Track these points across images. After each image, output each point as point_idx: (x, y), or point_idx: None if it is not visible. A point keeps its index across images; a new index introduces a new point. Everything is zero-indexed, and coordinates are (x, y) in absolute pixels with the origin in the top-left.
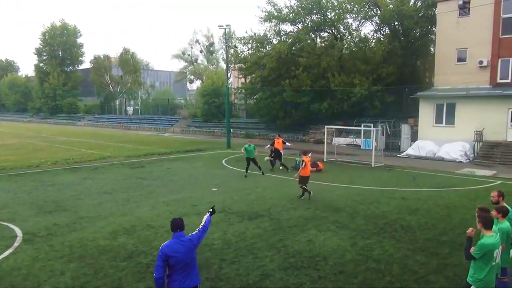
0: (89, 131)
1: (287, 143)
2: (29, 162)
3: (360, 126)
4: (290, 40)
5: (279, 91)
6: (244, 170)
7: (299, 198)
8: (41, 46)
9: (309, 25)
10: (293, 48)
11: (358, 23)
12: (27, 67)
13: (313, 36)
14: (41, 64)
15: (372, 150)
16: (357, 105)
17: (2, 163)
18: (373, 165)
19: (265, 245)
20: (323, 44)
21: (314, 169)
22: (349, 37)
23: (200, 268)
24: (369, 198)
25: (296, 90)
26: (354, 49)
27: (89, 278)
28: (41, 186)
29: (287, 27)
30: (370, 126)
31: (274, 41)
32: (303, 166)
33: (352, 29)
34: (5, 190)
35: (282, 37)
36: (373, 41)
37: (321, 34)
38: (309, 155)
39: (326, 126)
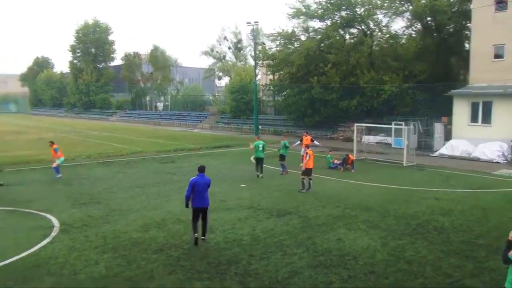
0: (120, 126)
1: (315, 141)
2: (65, 156)
3: (391, 124)
4: (319, 36)
5: (308, 88)
6: (277, 167)
7: (300, 192)
8: (75, 44)
9: (338, 21)
10: (322, 44)
11: (388, 19)
12: (62, 63)
13: (342, 32)
14: (75, 61)
15: (403, 148)
16: (388, 103)
17: (40, 156)
18: (404, 164)
19: (293, 242)
20: (352, 41)
21: (342, 165)
22: (379, 33)
23: (229, 263)
24: (400, 197)
25: (325, 87)
26: (384, 45)
27: (122, 268)
28: (76, 179)
29: (315, 24)
30: (401, 124)
31: (302, 38)
32: (307, 158)
33: (382, 25)
34: (43, 182)
35: (310, 34)
36: (404, 37)
37: (350, 30)
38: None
39: (355, 124)
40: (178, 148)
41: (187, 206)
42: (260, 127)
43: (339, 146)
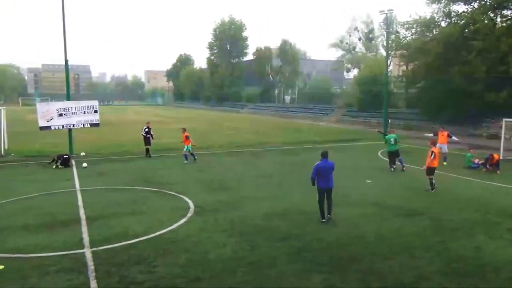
0: (250, 118)
1: (453, 137)
2: (200, 144)
3: None
4: (462, 21)
5: (446, 79)
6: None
7: (427, 192)
8: (212, 41)
9: (488, 3)
10: (465, 30)
11: None
12: (201, 60)
13: (492, 15)
14: (212, 57)
15: None
16: None
17: (179, 144)
18: None
19: (422, 245)
20: (504, 24)
21: (484, 165)
22: None
23: (351, 260)
24: None
25: (467, 77)
26: None
27: (247, 253)
28: (209, 166)
29: (459, 7)
30: None
31: (443, 24)
32: (432, 157)
33: None
34: (182, 167)
35: (453, 19)
36: None
37: (503, 12)
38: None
39: (504, 120)
40: (303, 140)
41: (313, 184)
42: (389, 121)
43: (482, 144)
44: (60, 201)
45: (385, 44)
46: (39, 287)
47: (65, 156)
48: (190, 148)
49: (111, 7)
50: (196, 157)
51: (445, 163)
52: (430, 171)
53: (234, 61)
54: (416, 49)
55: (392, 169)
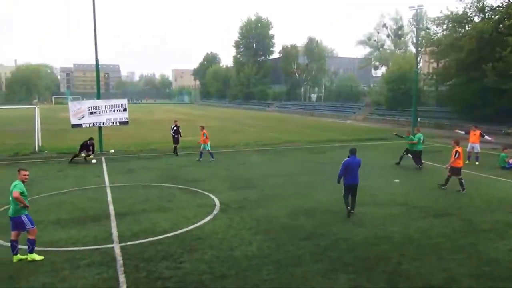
0: (276, 116)
1: (486, 136)
2: (226, 142)
3: None
4: (497, 16)
5: (479, 76)
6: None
7: (440, 187)
8: (239, 39)
9: None
10: (500, 25)
11: None
12: (227, 58)
13: None
14: (238, 56)
15: None
16: None
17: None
18: None
19: (452, 247)
20: None
21: None
22: None
23: (377, 260)
24: None
25: (502, 74)
26: None
27: (272, 251)
28: (235, 164)
29: (493, 2)
30: None
31: (476, 19)
32: (456, 156)
33: None
34: (208, 165)
35: (486, 14)
36: None
37: None
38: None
39: None
40: (329, 139)
41: (338, 182)
42: (419, 119)
43: None
44: (90, 197)
45: (414, 40)
46: (70, 279)
47: (88, 142)
48: (208, 147)
49: (140, 7)
50: (201, 157)
51: (477, 163)
52: (456, 171)
53: (260, 59)
54: (447, 46)
55: (419, 167)
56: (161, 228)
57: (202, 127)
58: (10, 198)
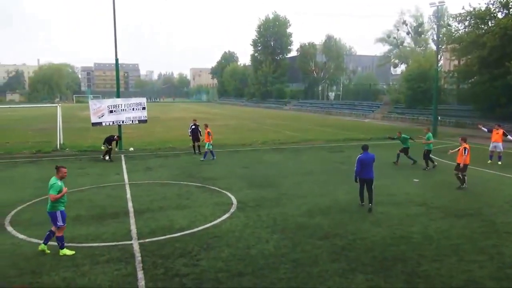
0: (293, 115)
1: (509, 136)
2: (243, 141)
3: None
4: None
5: (502, 74)
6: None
7: (460, 188)
8: (257, 38)
9: None
10: None
11: None
12: (245, 57)
13: None
14: (255, 54)
15: None
16: None
17: (224, 141)
18: None
19: (473, 248)
20: None
21: None
22: None
23: (395, 260)
24: None
25: None
26: None
27: (288, 250)
28: (252, 162)
29: None
30: None
31: (499, 15)
32: (465, 154)
33: None
34: (225, 164)
35: (510, 10)
36: None
37: None
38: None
39: None
40: (347, 137)
41: (355, 180)
42: (439, 118)
43: None
44: (110, 194)
45: (435, 38)
46: (90, 275)
47: (115, 138)
48: (210, 146)
49: (158, 7)
50: (206, 157)
51: (500, 163)
52: (465, 168)
53: (278, 58)
54: (469, 43)
55: (428, 168)
56: (178, 225)
57: (206, 125)
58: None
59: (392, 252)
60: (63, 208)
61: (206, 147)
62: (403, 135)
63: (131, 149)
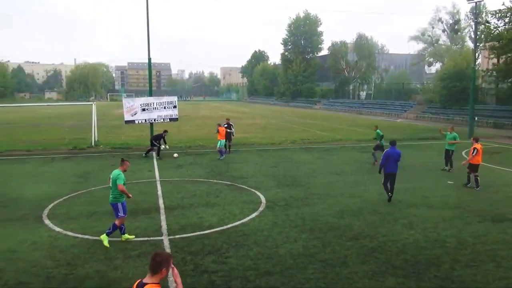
0: (323, 114)
1: None
2: (272, 140)
3: None
4: None
5: None
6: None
7: (465, 186)
8: (287, 37)
9: None
10: None
11: None
12: (275, 56)
13: None
14: (286, 53)
15: None
16: None
17: (253, 140)
18: None
19: (511, 254)
20: None
21: None
22: None
23: (428, 264)
24: None
25: None
26: None
27: (318, 250)
28: (281, 161)
29: None
30: None
31: None
32: (474, 153)
33: None
34: (254, 162)
35: None
36: None
37: None
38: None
39: None
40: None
41: (380, 172)
42: (475, 118)
43: None
44: (142, 190)
45: (473, 35)
46: (122, 268)
47: (163, 134)
48: (223, 144)
49: (190, 6)
50: (223, 156)
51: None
52: (474, 168)
53: (308, 57)
54: (509, 40)
55: (446, 169)
56: (208, 222)
57: (219, 124)
58: (111, 185)
59: (425, 256)
60: (124, 199)
61: (219, 145)
62: (377, 131)
63: (163, 147)
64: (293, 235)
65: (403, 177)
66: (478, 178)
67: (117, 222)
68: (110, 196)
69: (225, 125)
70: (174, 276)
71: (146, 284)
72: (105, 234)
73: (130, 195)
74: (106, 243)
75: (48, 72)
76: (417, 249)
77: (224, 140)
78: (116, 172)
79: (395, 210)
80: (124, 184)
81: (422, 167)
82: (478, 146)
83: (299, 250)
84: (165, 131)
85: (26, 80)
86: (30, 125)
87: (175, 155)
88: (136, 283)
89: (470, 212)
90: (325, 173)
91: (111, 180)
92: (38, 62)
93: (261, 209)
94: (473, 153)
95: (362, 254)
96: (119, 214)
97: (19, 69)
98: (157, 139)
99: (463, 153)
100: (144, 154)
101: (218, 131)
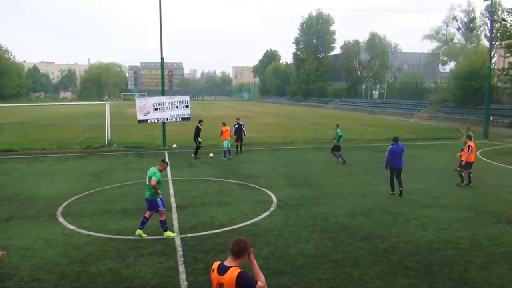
0: (335, 113)
1: None
2: (284, 139)
3: None
4: None
5: None
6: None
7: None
8: (299, 36)
9: None
10: None
11: None
12: (287, 55)
13: None
14: (298, 52)
15: None
16: None
17: (264, 139)
18: None
19: None
20: None
21: None
22: None
23: (441, 265)
24: None
25: None
26: None
27: (329, 250)
28: (293, 161)
29: None
30: None
31: None
32: (469, 151)
33: None
34: (266, 162)
35: None
36: None
37: None
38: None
39: None
40: (391, 137)
41: (386, 168)
42: (491, 118)
43: None
44: None
45: (488, 34)
46: (134, 266)
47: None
48: (229, 144)
49: (202, 6)
50: (227, 157)
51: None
52: (469, 165)
53: (321, 56)
54: None
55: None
56: (219, 222)
57: (224, 124)
58: (147, 182)
59: (438, 257)
60: (161, 195)
61: (225, 145)
62: (337, 130)
63: (175, 146)
64: (304, 235)
65: (416, 177)
66: (472, 175)
67: (160, 217)
68: (147, 192)
69: (236, 126)
70: (251, 259)
71: (231, 267)
72: (163, 231)
73: (159, 191)
74: (171, 234)
75: (63, 72)
76: (429, 250)
77: (229, 140)
78: (153, 169)
79: (407, 210)
80: (158, 181)
81: (435, 167)
82: (472, 144)
83: (310, 250)
84: (200, 121)
85: (41, 80)
86: (45, 125)
87: (211, 154)
88: (217, 265)
89: (485, 213)
90: (337, 173)
91: (147, 177)
92: (53, 62)
93: (272, 208)
94: (468, 151)
95: (373, 255)
96: (159, 209)
97: (35, 69)
98: (197, 135)
99: (477, 153)
100: (194, 156)
101: (222, 132)
